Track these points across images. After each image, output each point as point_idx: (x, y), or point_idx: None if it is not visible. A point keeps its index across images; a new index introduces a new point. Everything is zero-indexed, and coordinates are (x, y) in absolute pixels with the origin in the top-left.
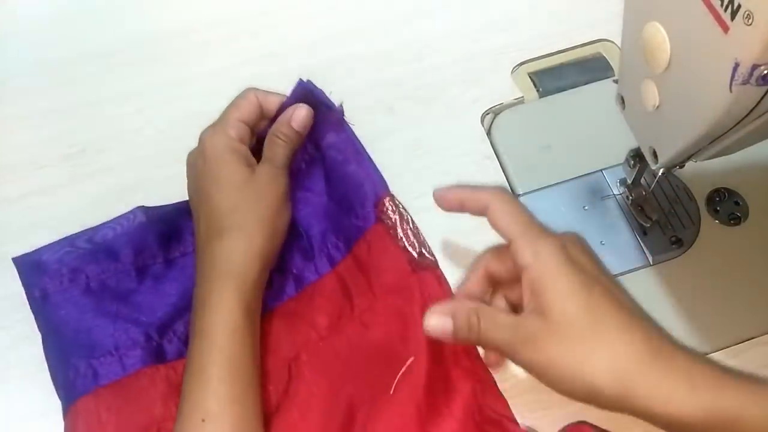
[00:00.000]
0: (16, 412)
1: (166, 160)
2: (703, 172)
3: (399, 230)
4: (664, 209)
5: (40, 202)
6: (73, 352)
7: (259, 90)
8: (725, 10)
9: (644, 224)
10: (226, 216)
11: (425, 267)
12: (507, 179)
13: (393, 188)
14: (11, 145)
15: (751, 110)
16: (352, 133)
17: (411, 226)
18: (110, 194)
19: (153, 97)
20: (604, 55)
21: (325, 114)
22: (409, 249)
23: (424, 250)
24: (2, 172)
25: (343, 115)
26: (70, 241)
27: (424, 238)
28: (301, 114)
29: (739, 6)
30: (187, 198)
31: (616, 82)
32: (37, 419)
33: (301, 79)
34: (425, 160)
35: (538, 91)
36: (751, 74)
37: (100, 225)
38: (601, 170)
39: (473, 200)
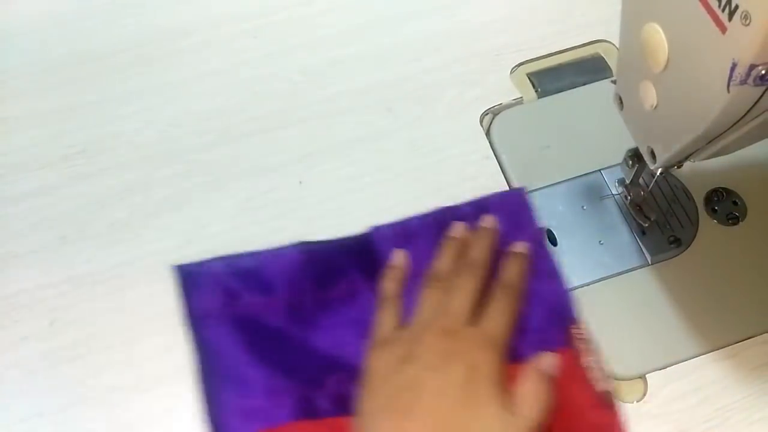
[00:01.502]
0: (16, 412)
1: (166, 161)
2: (702, 172)
3: (589, 359)
4: (663, 209)
5: (40, 202)
6: (223, 387)
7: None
8: (723, 10)
9: (643, 224)
10: None
11: (609, 404)
12: (506, 179)
13: (393, 188)
14: (11, 145)
15: (749, 110)
16: (550, 253)
17: (596, 357)
18: (110, 194)
19: (153, 97)
20: (603, 55)
21: (524, 225)
22: (594, 381)
23: (607, 386)
24: (2, 172)
25: (544, 236)
26: (229, 261)
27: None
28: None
29: (737, 6)
30: (338, 235)
31: (614, 82)
32: (36, 419)
33: (523, 187)
34: (425, 160)
35: (536, 91)
36: (748, 74)
37: (259, 252)
38: (599, 170)
39: None
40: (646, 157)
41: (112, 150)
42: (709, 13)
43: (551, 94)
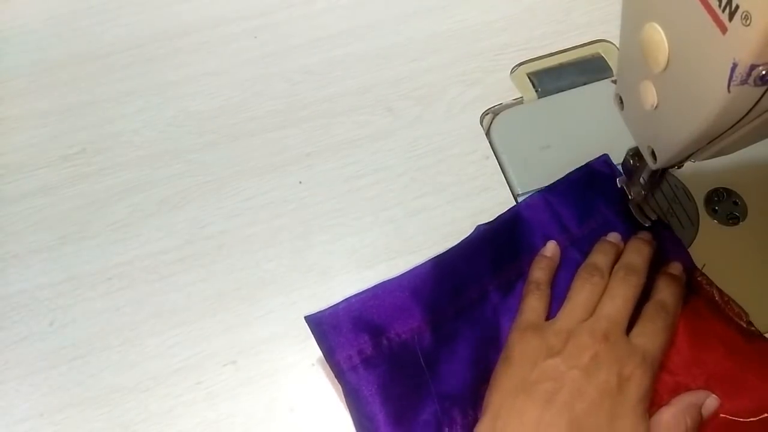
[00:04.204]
0: (16, 412)
1: (165, 161)
2: (702, 172)
3: (720, 302)
4: (663, 209)
5: (40, 202)
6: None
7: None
8: (723, 10)
9: (643, 224)
10: None
11: (758, 336)
12: (506, 179)
13: (393, 188)
14: (11, 145)
15: (750, 110)
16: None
17: (730, 297)
18: (110, 194)
19: (153, 97)
20: (603, 55)
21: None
22: (736, 319)
23: (750, 321)
24: (2, 172)
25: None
26: (362, 297)
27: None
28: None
29: (737, 6)
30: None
31: (614, 82)
32: (36, 419)
33: (606, 155)
34: (425, 160)
35: (537, 91)
36: (749, 74)
37: (389, 280)
38: None
39: None
40: (647, 157)
41: (111, 150)
42: (709, 13)
43: (551, 94)
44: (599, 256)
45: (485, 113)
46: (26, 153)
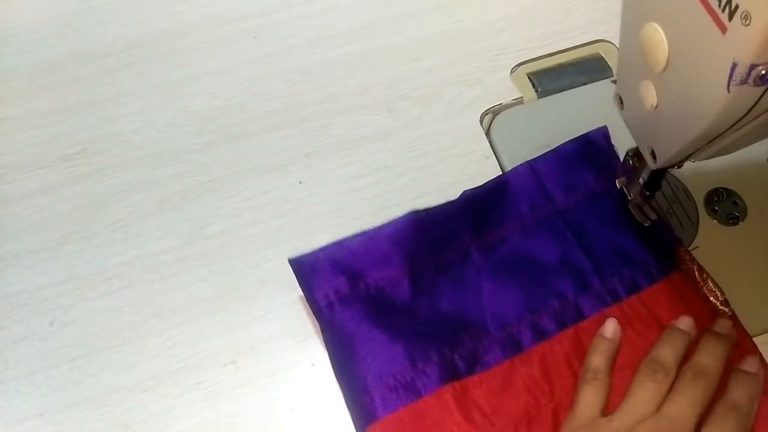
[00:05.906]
0: (16, 412)
1: (165, 161)
2: (702, 172)
3: (698, 279)
4: (663, 209)
5: (40, 202)
6: (363, 368)
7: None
8: (723, 10)
9: (643, 224)
10: None
11: (730, 317)
12: None
13: (392, 188)
14: (11, 145)
15: (749, 110)
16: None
17: (709, 275)
18: (110, 194)
19: (153, 97)
20: (603, 55)
21: (603, 167)
22: (712, 299)
23: (726, 300)
24: (2, 172)
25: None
26: (342, 244)
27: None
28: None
29: (737, 6)
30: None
31: (614, 82)
32: (36, 419)
33: (605, 127)
34: (425, 160)
35: (536, 91)
36: (748, 74)
37: (369, 230)
38: None
39: None
40: (647, 157)
41: (111, 150)
42: (709, 13)
43: (551, 94)
44: (665, 350)
45: (485, 113)
46: (26, 153)
